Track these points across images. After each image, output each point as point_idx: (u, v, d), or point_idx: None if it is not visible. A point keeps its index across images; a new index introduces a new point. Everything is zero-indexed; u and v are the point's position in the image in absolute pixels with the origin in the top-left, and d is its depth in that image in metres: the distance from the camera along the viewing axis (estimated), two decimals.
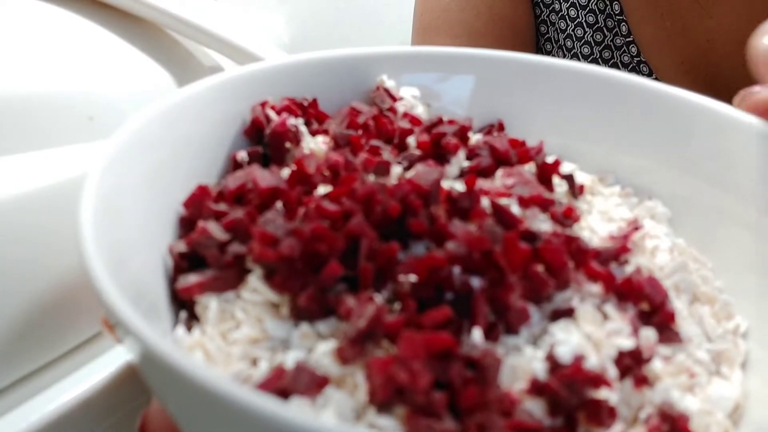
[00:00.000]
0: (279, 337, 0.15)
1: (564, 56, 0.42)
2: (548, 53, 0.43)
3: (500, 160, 0.22)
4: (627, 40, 0.39)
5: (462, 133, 0.23)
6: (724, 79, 0.39)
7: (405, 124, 0.23)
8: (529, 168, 0.22)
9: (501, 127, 0.26)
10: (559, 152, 0.25)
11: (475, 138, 0.24)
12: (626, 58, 0.39)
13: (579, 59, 0.41)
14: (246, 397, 0.11)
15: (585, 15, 0.40)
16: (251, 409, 0.11)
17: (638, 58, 0.39)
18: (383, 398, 0.14)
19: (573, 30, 0.40)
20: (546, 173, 0.22)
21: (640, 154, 0.25)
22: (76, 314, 0.18)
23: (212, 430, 0.13)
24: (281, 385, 0.14)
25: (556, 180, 0.22)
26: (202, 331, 0.16)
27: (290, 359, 0.15)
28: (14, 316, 0.17)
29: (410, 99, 0.26)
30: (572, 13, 0.40)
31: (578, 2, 0.40)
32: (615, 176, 0.25)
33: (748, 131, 0.21)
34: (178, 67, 0.27)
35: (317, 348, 0.15)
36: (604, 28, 0.39)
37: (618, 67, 0.40)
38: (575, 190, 0.22)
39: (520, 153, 0.23)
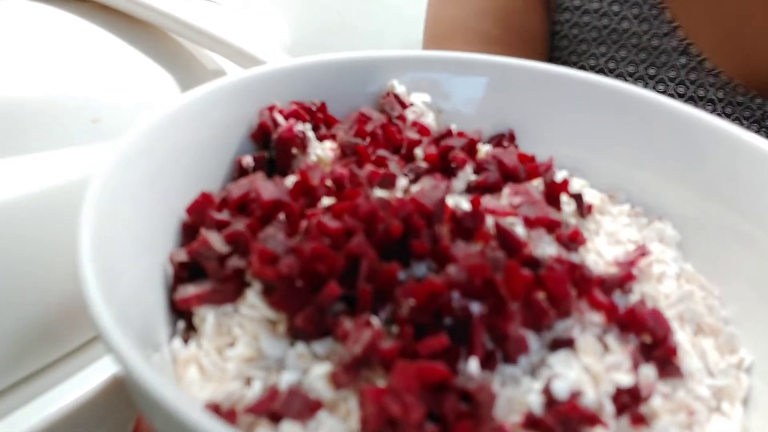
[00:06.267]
0: (274, 356, 0.15)
1: (606, 52, 0.42)
2: (583, 53, 0.43)
3: (508, 175, 0.22)
4: (673, 25, 0.40)
5: (470, 147, 0.23)
6: (762, 61, 0.40)
7: (413, 134, 0.23)
8: (538, 184, 0.22)
9: (512, 138, 0.26)
10: (572, 164, 0.25)
11: (484, 150, 0.24)
12: (674, 42, 0.40)
13: (628, 49, 0.42)
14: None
15: (629, 8, 0.41)
16: None
17: (686, 41, 0.40)
18: (375, 428, 0.14)
19: (618, 23, 0.41)
20: (554, 192, 0.21)
21: (653, 172, 0.24)
22: (77, 317, 0.18)
23: None
24: (273, 408, 0.14)
25: (564, 198, 0.22)
26: (198, 344, 0.16)
27: (284, 381, 0.15)
28: (14, 318, 0.17)
29: (420, 106, 0.26)
30: (615, 8, 0.41)
31: None
32: (626, 193, 0.24)
33: (764, 157, 0.21)
34: (182, 70, 0.27)
35: (312, 370, 0.15)
36: (650, 18, 0.40)
37: (667, 52, 0.41)
38: (583, 209, 0.22)
39: (529, 169, 0.22)
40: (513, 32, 0.42)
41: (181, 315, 0.17)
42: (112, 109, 0.23)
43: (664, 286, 0.20)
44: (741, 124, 0.40)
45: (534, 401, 0.15)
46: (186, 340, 0.17)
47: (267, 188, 0.18)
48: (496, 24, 0.42)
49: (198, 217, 0.19)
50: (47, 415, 0.16)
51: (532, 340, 0.16)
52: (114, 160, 0.17)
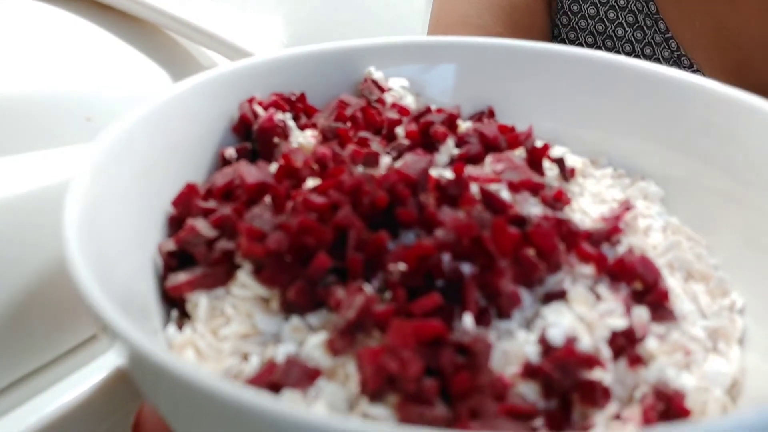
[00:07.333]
0: (269, 332, 0.15)
1: None
2: None
3: (489, 146, 0.22)
4: (666, 36, 0.41)
5: (450, 121, 0.23)
6: (755, 71, 0.40)
7: (393, 115, 0.23)
8: (519, 153, 0.22)
9: (491, 114, 0.26)
10: (552, 137, 0.25)
11: (464, 126, 0.24)
12: (666, 53, 0.41)
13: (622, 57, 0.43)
14: (236, 394, 0.11)
15: (625, 15, 0.42)
16: (242, 404, 0.11)
17: (678, 52, 0.41)
18: (375, 388, 0.14)
19: (613, 30, 0.42)
20: (536, 157, 0.22)
21: (632, 136, 0.24)
22: (74, 316, 0.18)
23: (204, 429, 0.12)
24: (272, 379, 0.14)
25: (546, 164, 0.22)
26: (193, 329, 0.16)
27: (281, 353, 0.15)
28: (9, 317, 0.17)
29: (399, 89, 0.26)
30: (611, 15, 0.42)
31: (617, 4, 0.42)
32: (607, 158, 0.25)
33: (740, 107, 0.21)
34: (177, 67, 0.27)
35: (308, 341, 0.15)
36: (644, 26, 0.41)
37: (659, 62, 0.41)
38: (566, 173, 0.22)
39: (509, 139, 0.22)
40: (515, 30, 0.42)
41: (174, 305, 0.17)
42: (107, 107, 0.23)
43: (651, 238, 0.20)
44: None
45: (531, 351, 0.15)
46: (180, 327, 0.17)
47: (251, 172, 0.19)
48: (498, 21, 0.42)
49: (184, 209, 0.19)
50: (46, 413, 0.16)
51: (525, 295, 0.16)
52: (97, 155, 0.17)
